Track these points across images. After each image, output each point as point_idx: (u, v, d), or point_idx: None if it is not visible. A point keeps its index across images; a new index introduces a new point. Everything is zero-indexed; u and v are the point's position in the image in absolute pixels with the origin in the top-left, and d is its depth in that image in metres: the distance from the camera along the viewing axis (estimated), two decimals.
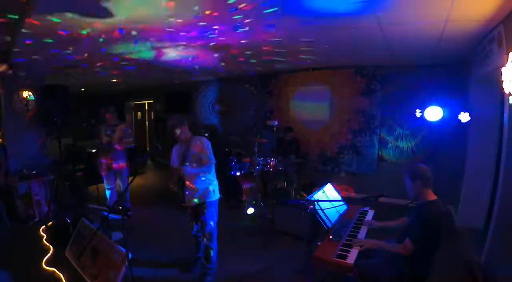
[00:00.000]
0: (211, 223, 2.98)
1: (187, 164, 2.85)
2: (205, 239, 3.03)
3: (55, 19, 2.56)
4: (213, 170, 3.05)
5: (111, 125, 4.47)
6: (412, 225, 2.20)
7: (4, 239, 3.85)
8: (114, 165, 4.39)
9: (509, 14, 2.37)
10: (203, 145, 2.96)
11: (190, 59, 4.57)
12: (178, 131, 2.92)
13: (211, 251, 3.01)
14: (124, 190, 2.31)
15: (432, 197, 2.18)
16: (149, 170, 8.51)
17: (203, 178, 2.96)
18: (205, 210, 2.95)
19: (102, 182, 4.59)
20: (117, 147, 4.34)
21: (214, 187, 3.04)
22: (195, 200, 2.97)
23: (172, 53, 4.15)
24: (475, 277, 2.74)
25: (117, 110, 4.66)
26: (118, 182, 4.58)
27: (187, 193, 2.99)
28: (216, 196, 3.04)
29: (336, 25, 2.98)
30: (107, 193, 4.56)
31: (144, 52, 4.01)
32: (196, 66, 5.06)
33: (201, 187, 2.96)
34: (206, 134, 6.57)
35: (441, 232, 2.07)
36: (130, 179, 2.48)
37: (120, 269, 2.33)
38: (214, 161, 2.98)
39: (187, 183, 2.97)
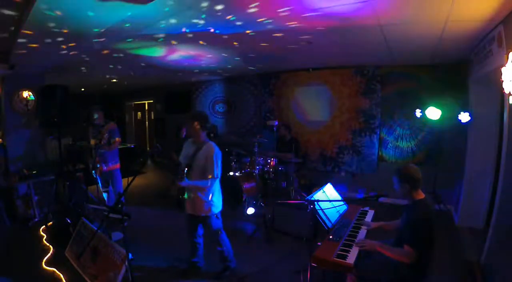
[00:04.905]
0: (215, 232, 2.89)
1: (186, 179, 2.60)
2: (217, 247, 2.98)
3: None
4: (217, 184, 2.82)
5: (99, 126, 4.33)
6: (404, 228, 2.18)
7: (4, 239, 3.85)
8: (104, 168, 4.30)
9: (509, 14, 2.38)
10: (212, 155, 2.66)
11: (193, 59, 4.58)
12: (187, 126, 2.74)
13: (223, 253, 2.97)
14: (123, 191, 2.28)
15: (420, 196, 2.17)
16: (149, 170, 8.52)
17: (203, 191, 2.75)
18: (206, 223, 2.86)
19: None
20: (101, 150, 4.20)
21: (212, 201, 2.80)
22: (190, 211, 2.86)
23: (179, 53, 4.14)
24: (475, 277, 2.75)
25: (104, 109, 4.49)
26: (110, 184, 4.43)
27: (186, 200, 2.86)
28: (214, 210, 2.83)
29: (336, 25, 2.98)
30: (104, 195, 4.53)
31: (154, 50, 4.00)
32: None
33: (199, 199, 2.76)
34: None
35: (433, 228, 2.06)
36: (130, 179, 2.47)
37: (120, 269, 2.33)
38: (218, 177, 2.74)
39: (187, 191, 2.82)
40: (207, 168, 2.68)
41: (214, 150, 2.71)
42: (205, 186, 2.72)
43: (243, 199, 4.86)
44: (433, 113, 4.22)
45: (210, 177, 2.68)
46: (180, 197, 2.93)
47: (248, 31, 3.18)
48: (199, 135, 2.77)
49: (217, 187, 2.86)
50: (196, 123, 2.72)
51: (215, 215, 2.85)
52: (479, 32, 2.98)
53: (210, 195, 2.79)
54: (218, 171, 2.71)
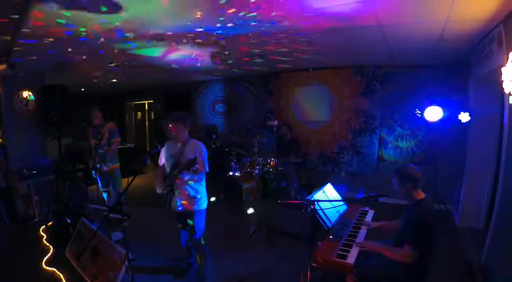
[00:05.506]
0: (198, 231, 2.90)
1: (184, 172, 2.70)
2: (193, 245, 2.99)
3: (59, 20, 2.57)
4: (204, 179, 2.94)
5: (98, 126, 4.30)
6: (404, 227, 2.18)
7: (4, 239, 3.85)
8: (104, 168, 4.29)
9: (509, 14, 2.38)
10: (202, 150, 2.83)
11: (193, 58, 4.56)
12: (173, 127, 2.80)
13: (201, 256, 2.98)
14: (123, 191, 2.28)
15: (421, 195, 2.17)
16: (149, 170, 8.51)
17: (193, 186, 2.85)
18: (193, 218, 2.87)
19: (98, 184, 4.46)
20: (101, 150, 4.17)
21: (202, 195, 2.92)
22: (180, 208, 2.87)
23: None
24: (475, 277, 2.75)
25: (102, 109, 4.47)
26: (110, 184, 4.41)
27: (174, 197, 2.86)
28: (203, 205, 2.92)
29: (336, 25, 2.98)
30: (104, 195, 4.52)
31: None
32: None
33: (189, 194, 2.84)
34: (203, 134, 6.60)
35: (433, 228, 2.06)
36: (130, 179, 2.46)
37: (120, 269, 2.33)
38: (207, 170, 2.88)
39: (176, 188, 2.83)
40: (198, 162, 2.76)
41: (202, 146, 2.88)
42: (200, 179, 2.89)
43: (243, 199, 4.86)
44: (433, 113, 4.22)
45: (202, 170, 2.82)
46: (170, 195, 2.87)
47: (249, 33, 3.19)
48: (184, 134, 2.89)
49: (204, 184, 2.99)
50: (181, 124, 2.84)
51: (201, 211, 2.92)
52: (479, 32, 2.98)
53: (201, 189, 2.92)
54: (207, 165, 2.86)
